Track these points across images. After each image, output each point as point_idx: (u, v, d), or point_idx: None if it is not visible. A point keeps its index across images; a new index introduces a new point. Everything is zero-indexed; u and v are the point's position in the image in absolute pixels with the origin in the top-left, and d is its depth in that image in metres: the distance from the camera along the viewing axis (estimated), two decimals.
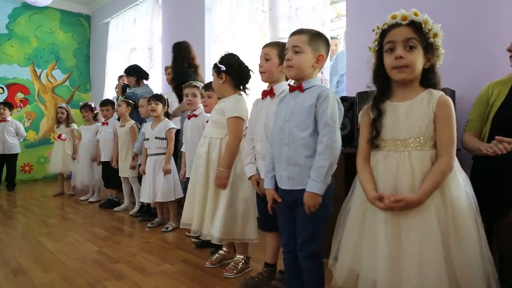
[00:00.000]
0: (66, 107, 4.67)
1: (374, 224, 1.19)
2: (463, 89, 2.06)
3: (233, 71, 2.00)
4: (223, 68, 1.99)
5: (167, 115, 3.20)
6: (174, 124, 3.09)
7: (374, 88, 1.32)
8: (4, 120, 4.93)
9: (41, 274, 2.08)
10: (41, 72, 6.09)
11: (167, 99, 3.13)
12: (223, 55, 2.05)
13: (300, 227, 1.42)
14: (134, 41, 5.08)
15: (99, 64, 6.10)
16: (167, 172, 2.94)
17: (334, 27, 3.17)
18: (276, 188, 1.50)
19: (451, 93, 2.05)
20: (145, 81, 3.97)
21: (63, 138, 4.57)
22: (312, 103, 1.38)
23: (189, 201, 2.08)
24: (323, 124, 1.35)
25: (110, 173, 3.85)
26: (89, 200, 4.22)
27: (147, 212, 3.35)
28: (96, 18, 6.40)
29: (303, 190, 1.38)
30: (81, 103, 4.43)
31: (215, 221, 1.91)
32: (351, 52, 2.67)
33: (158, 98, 3.03)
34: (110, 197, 3.94)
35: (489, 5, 2.05)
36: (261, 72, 1.74)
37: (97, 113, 4.29)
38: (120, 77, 4.58)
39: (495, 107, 1.68)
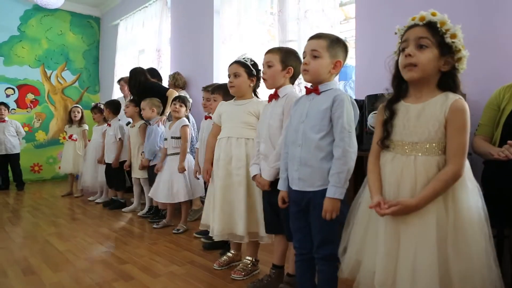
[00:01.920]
0: (81, 108, 4.73)
1: (377, 222, 1.20)
2: (475, 92, 2.02)
3: (259, 76, 2.04)
4: (254, 72, 2.02)
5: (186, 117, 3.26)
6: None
7: (391, 90, 1.30)
8: (3, 120, 4.95)
9: (51, 274, 2.10)
10: (51, 73, 6.16)
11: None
12: (250, 58, 2.06)
13: (315, 230, 1.43)
14: (143, 43, 5.12)
15: (108, 66, 6.16)
16: (181, 170, 2.94)
17: (343, 29, 3.16)
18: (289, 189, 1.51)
19: (462, 97, 2.03)
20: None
21: (74, 139, 4.60)
22: (327, 106, 1.39)
23: (224, 210, 1.96)
24: (340, 129, 1.36)
25: (112, 174, 3.89)
26: (96, 201, 4.23)
27: (155, 213, 3.36)
28: (105, 20, 6.46)
29: (314, 192, 1.40)
30: (93, 104, 4.49)
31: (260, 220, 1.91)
32: (361, 55, 2.66)
33: (184, 101, 3.04)
34: (113, 198, 3.99)
35: (502, 6, 2.03)
36: (264, 79, 1.76)
37: None
38: (120, 80, 4.67)
39: (506, 112, 1.66)
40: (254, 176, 1.78)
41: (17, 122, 5.19)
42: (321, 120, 1.39)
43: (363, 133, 2.23)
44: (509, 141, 1.50)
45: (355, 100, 2.33)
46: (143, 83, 3.66)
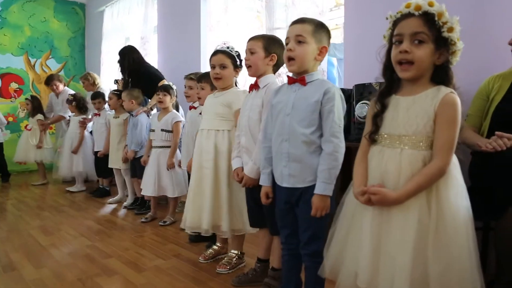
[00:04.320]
0: (30, 99, 4.82)
1: (361, 218, 1.16)
2: (464, 82, 1.95)
3: (241, 67, 1.98)
4: (239, 63, 1.96)
5: (177, 107, 3.18)
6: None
7: (383, 80, 1.25)
8: None
9: (32, 269, 2.05)
10: (35, 61, 5.98)
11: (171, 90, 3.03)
12: (234, 48, 1.98)
13: (303, 226, 1.39)
14: (129, 30, 4.97)
15: (95, 54, 5.99)
16: (170, 166, 2.88)
17: (333, 16, 3.08)
18: (273, 185, 1.46)
19: (455, 88, 2.00)
20: None
21: (28, 128, 4.70)
22: (317, 99, 1.33)
23: (195, 202, 1.96)
24: (331, 123, 1.31)
25: (101, 162, 3.85)
26: (69, 189, 4.24)
27: (141, 204, 3.31)
28: (91, 6, 6.26)
29: (305, 188, 1.35)
30: (68, 94, 4.48)
31: (223, 214, 1.88)
32: (349, 43, 2.60)
33: (166, 89, 2.94)
34: (101, 186, 3.98)
35: None
36: (247, 66, 1.69)
37: (77, 104, 4.37)
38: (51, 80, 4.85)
39: (495, 102, 1.63)
40: (235, 169, 1.74)
41: None
42: (311, 113, 1.33)
43: (350, 124, 2.18)
44: (497, 132, 1.47)
45: (343, 89, 2.31)
46: (137, 62, 3.56)
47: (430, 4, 1.07)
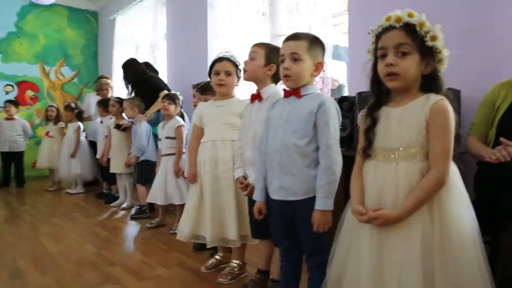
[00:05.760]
0: (56, 106, 5.04)
1: (360, 236, 1.13)
2: (469, 89, 1.94)
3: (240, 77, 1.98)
4: (239, 73, 1.96)
5: (182, 116, 3.22)
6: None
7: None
8: (12, 118, 5.04)
9: (37, 277, 2.08)
10: (50, 69, 6.14)
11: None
12: (235, 57, 1.98)
13: (304, 241, 1.38)
14: (139, 38, 5.06)
15: (107, 61, 6.10)
16: (177, 173, 2.87)
17: (338, 21, 3.05)
18: (268, 199, 1.44)
19: (456, 93, 1.94)
20: None
21: (51, 135, 4.89)
22: (311, 110, 1.31)
23: (214, 216, 1.91)
24: (327, 136, 1.29)
25: (105, 168, 3.98)
26: (70, 191, 4.57)
27: (140, 210, 3.34)
28: (103, 14, 6.39)
29: (299, 202, 1.33)
30: (65, 103, 4.78)
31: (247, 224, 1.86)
32: (353, 49, 2.57)
33: (172, 98, 2.96)
34: (105, 191, 4.23)
35: None
36: (244, 70, 1.69)
37: (78, 112, 4.67)
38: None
39: (501, 110, 1.57)
40: (237, 178, 1.72)
41: (25, 122, 5.27)
42: (304, 124, 1.31)
43: (353, 132, 2.15)
44: (501, 138, 1.39)
45: (347, 97, 2.28)
46: (140, 73, 3.66)
47: (410, 15, 1.07)
